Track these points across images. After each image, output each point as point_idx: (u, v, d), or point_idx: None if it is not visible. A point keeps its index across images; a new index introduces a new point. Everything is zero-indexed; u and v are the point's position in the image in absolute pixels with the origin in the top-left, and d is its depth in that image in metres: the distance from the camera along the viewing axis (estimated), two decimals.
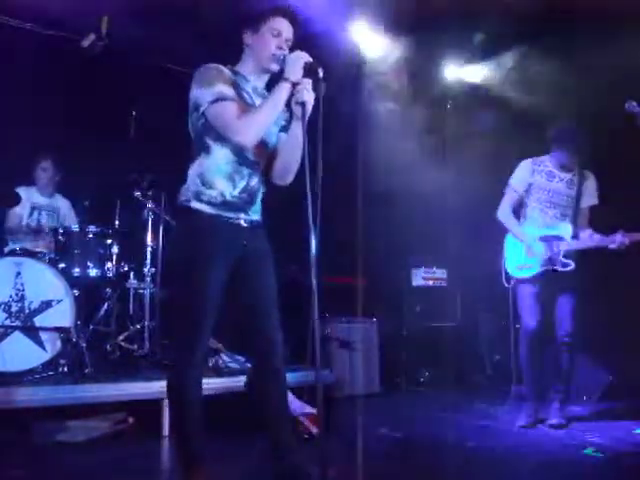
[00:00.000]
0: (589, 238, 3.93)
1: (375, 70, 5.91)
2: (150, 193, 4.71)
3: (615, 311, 5.03)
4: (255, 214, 2.52)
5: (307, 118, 2.33)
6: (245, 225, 2.47)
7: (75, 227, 4.41)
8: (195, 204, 2.39)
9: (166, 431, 3.58)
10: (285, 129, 2.54)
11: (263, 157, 2.53)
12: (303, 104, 2.32)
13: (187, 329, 2.39)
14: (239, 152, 2.42)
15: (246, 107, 2.40)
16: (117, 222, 4.67)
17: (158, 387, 3.61)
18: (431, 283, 6.12)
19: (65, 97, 4.92)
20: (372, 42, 5.84)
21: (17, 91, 4.68)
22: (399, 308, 5.95)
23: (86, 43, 5.05)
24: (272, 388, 2.47)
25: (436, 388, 5.54)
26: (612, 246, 3.80)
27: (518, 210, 4.16)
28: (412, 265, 6.09)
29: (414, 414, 4.49)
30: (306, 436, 3.46)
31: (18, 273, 3.84)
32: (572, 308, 3.93)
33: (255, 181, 2.49)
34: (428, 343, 5.86)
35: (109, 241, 4.39)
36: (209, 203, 2.39)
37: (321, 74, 2.31)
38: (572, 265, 3.92)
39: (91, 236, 4.30)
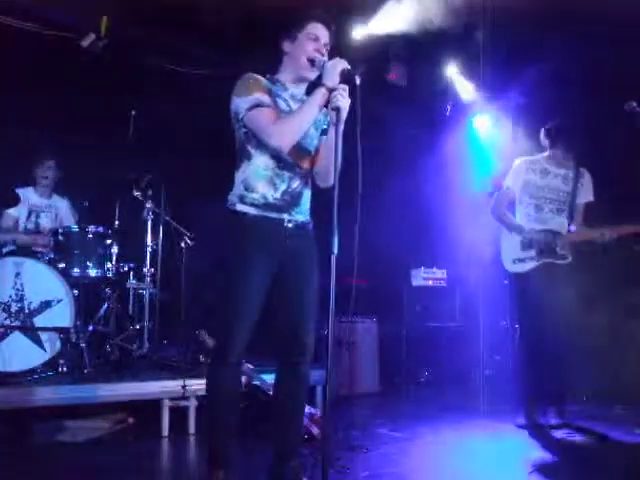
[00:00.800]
0: (581, 232, 3.95)
1: None
2: (150, 193, 4.70)
3: (615, 310, 5.03)
4: (300, 215, 2.58)
5: (342, 123, 2.36)
6: (288, 225, 2.53)
7: (75, 227, 4.41)
8: (240, 206, 2.49)
9: (166, 431, 3.58)
10: (325, 132, 2.60)
11: (305, 160, 2.58)
12: (338, 109, 2.35)
13: (228, 328, 2.45)
14: (279, 157, 2.49)
15: (282, 113, 2.47)
16: (117, 222, 4.67)
17: (158, 387, 3.61)
18: (431, 283, 6.12)
19: (65, 97, 4.92)
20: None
21: (17, 91, 4.68)
22: (399, 308, 5.95)
23: (86, 43, 5.06)
24: (295, 392, 2.52)
25: (436, 388, 5.53)
26: (601, 237, 3.82)
27: (512, 209, 4.16)
28: (412, 265, 6.09)
29: (414, 414, 4.49)
30: (306, 436, 3.46)
31: (18, 273, 3.83)
32: (569, 305, 3.93)
33: (297, 184, 2.55)
34: (428, 343, 5.85)
35: (109, 241, 4.38)
36: (252, 205, 2.48)
37: (358, 81, 2.35)
38: (569, 258, 3.93)
39: (91, 236, 4.30)
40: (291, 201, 2.53)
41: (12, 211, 4.56)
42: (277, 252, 2.49)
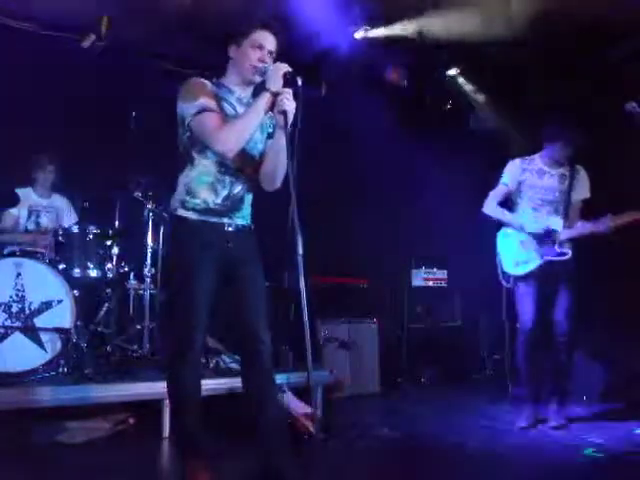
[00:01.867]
0: (580, 226, 3.95)
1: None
2: (150, 193, 4.70)
3: (615, 309, 5.04)
4: (240, 219, 2.62)
5: (289, 126, 2.40)
6: (229, 229, 2.57)
7: (75, 228, 4.40)
8: (181, 211, 2.54)
9: (167, 432, 3.57)
10: (271, 136, 2.62)
11: (248, 165, 2.61)
12: (284, 113, 2.40)
13: (179, 328, 2.52)
14: (221, 162, 2.52)
15: (228, 118, 2.49)
16: (117, 222, 4.67)
17: (158, 388, 3.60)
18: (431, 283, 6.13)
19: (64, 97, 4.92)
20: None
21: (16, 91, 4.68)
22: (399, 308, 5.95)
23: (86, 43, 5.06)
24: (262, 388, 2.55)
25: (436, 388, 5.54)
26: (601, 229, 3.82)
27: (510, 212, 4.15)
28: (412, 265, 6.10)
29: (414, 414, 4.49)
30: (306, 436, 3.46)
31: (18, 274, 3.83)
32: (570, 306, 3.93)
33: (239, 189, 2.59)
34: (428, 343, 5.86)
35: (109, 242, 4.38)
36: (193, 210, 2.53)
37: (300, 83, 2.40)
38: (569, 254, 3.93)
39: (91, 237, 4.29)
40: (232, 206, 2.58)
41: (13, 211, 4.56)
42: (219, 255, 2.53)
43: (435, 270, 6.16)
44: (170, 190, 4.66)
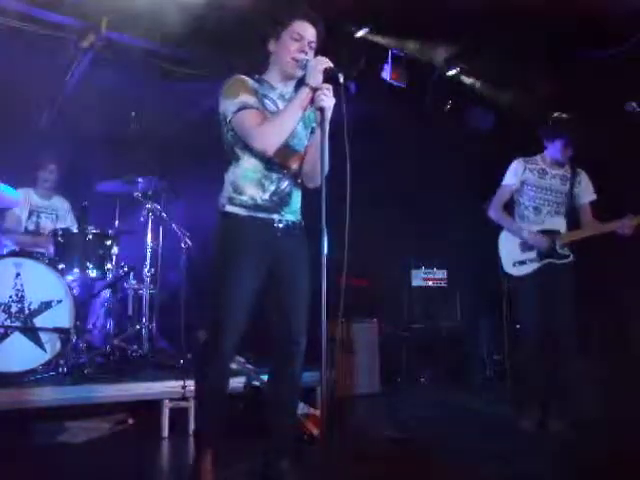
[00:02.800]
0: (589, 226, 3.93)
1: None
2: (150, 193, 4.70)
3: (615, 309, 5.04)
4: (290, 215, 2.59)
5: (327, 123, 2.34)
6: (279, 225, 2.54)
7: (74, 228, 4.41)
8: (229, 207, 2.50)
9: (166, 432, 3.57)
10: (315, 131, 2.59)
11: (293, 161, 2.58)
12: (322, 109, 2.34)
13: (217, 322, 2.47)
14: (266, 159, 2.49)
15: (269, 114, 2.46)
16: (117, 223, 4.67)
17: (158, 388, 3.61)
18: (431, 283, 6.13)
19: (64, 97, 4.92)
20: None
21: (16, 91, 4.67)
22: (399, 308, 5.95)
23: (86, 43, 5.05)
24: (287, 392, 2.55)
25: (436, 388, 5.53)
26: (620, 230, 3.79)
27: (511, 210, 4.16)
28: (412, 265, 6.10)
29: (414, 414, 4.48)
30: (306, 437, 3.46)
31: (18, 274, 3.83)
32: (570, 306, 3.93)
33: (286, 184, 2.56)
34: (428, 343, 5.86)
35: (108, 242, 4.38)
36: (242, 206, 2.50)
37: (342, 79, 2.32)
38: (570, 257, 3.93)
39: (90, 237, 4.29)
40: (280, 202, 2.54)
41: (16, 211, 4.57)
42: (268, 252, 2.50)
43: (435, 270, 6.16)
44: (171, 190, 4.71)
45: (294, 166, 2.58)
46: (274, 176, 2.52)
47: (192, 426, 3.67)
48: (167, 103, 4.93)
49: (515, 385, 4.38)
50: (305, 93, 2.38)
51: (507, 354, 4.48)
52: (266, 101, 2.52)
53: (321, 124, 2.33)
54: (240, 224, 2.48)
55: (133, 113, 4.79)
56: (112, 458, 3.24)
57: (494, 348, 6.00)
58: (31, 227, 4.65)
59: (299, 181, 2.62)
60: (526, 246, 4.02)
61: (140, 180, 4.56)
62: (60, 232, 4.29)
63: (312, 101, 2.38)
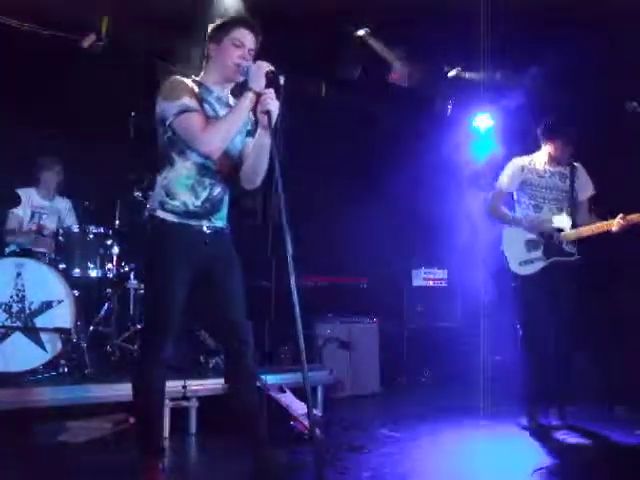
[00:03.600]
0: (590, 224, 3.92)
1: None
2: (150, 193, 4.69)
3: (615, 310, 5.03)
4: (219, 221, 2.62)
5: (273, 125, 2.41)
6: (207, 231, 2.56)
7: (75, 228, 4.41)
8: (160, 213, 2.51)
9: (166, 432, 3.57)
10: (250, 134, 2.62)
11: (228, 166, 2.60)
12: (269, 113, 2.40)
13: (152, 328, 2.54)
14: (201, 164, 2.51)
15: (209, 118, 2.48)
16: (117, 222, 4.67)
17: None
18: (431, 283, 6.13)
19: (65, 97, 4.92)
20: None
21: (16, 92, 4.68)
22: (399, 308, 5.95)
23: (86, 43, 5.06)
24: (245, 387, 2.57)
25: (437, 388, 5.54)
26: (613, 229, 3.78)
27: (511, 209, 4.15)
28: (412, 265, 6.10)
29: (415, 414, 4.49)
30: (306, 437, 3.46)
31: (19, 274, 3.84)
32: (572, 306, 3.93)
33: (218, 191, 2.58)
34: (428, 343, 5.86)
35: (109, 241, 4.39)
36: (172, 212, 2.51)
37: (282, 81, 2.41)
38: (576, 255, 3.92)
39: (91, 236, 4.30)
40: (211, 208, 2.56)
41: (17, 211, 4.57)
42: (196, 258, 2.53)
43: (435, 270, 6.16)
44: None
45: (227, 171, 2.61)
46: (207, 182, 2.54)
47: (193, 426, 3.68)
48: None
49: (515, 384, 4.37)
50: (249, 98, 2.43)
51: (508, 354, 4.47)
52: (205, 104, 2.53)
53: (269, 127, 2.40)
54: (169, 230, 2.50)
55: (133, 113, 4.79)
56: (112, 458, 3.25)
57: (494, 348, 5.99)
58: (33, 228, 4.64)
59: (230, 185, 2.65)
60: (531, 245, 4.00)
61: (141, 180, 4.56)
62: (61, 232, 4.29)
63: (255, 105, 2.44)
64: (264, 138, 2.47)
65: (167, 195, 2.51)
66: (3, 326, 3.72)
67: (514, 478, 3.07)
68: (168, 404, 3.60)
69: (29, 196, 4.67)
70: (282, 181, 2.27)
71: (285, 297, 2.58)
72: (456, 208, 5.90)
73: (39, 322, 3.84)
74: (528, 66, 5.67)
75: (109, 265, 4.35)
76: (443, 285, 6.18)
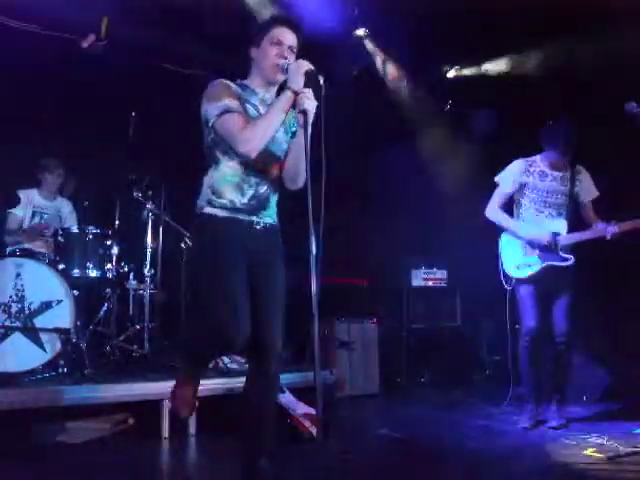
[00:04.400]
0: (588, 230, 3.94)
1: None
2: (150, 194, 4.70)
3: (614, 310, 5.04)
4: (268, 218, 2.60)
5: (310, 125, 2.37)
6: (257, 227, 2.55)
7: (75, 228, 4.41)
8: (209, 209, 2.51)
9: (166, 432, 3.58)
10: (295, 135, 2.60)
11: (273, 165, 2.59)
12: (305, 112, 2.38)
13: (217, 325, 2.42)
14: (246, 163, 2.50)
15: (251, 119, 2.47)
16: (117, 223, 4.67)
17: (158, 388, 3.61)
18: (431, 283, 6.13)
19: (65, 98, 4.92)
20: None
21: (16, 92, 4.68)
22: (399, 308, 5.95)
23: (86, 44, 5.06)
24: (265, 391, 2.53)
25: (436, 388, 5.54)
26: (608, 236, 3.81)
27: (511, 210, 4.17)
28: (412, 265, 6.09)
29: (414, 414, 4.49)
30: (306, 437, 3.46)
31: (18, 274, 3.84)
32: (569, 307, 3.94)
33: (264, 189, 2.57)
34: (428, 343, 5.86)
35: (109, 242, 4.39)
36: (221, 208, 2.51)
37: (322, 81, 2.36)
38: (572, 259, 3.94)
39: (91, 237, 4.30)
40: (258, 205, 2.56)
41: (17, 212, 4.57)
42: (246, 252, 2.51)
43: (435, 270, 6.16)
44: (171, 191, 4.71)
45: (273, 171, 2.60)
46: (253, 180, 2.54)
47: (193, 427, 3.68)
48: (168, 103, 4.92)
49: (514, 384, 4.37)
50: (287, 97, 2.41)
51: (508, 354, 4.47)
52: (248, 106, 2.54)
53: (304, 127, 2.38)
54: (220, 223, 2.49)
55: (133, 113, 4.79)
56: (112, 458, 3.25)
57: (494, 348, 6.00)
58: (36, 227, 4.64)
59: (277, 185, 2.64)
60: (528, 249, 4.02)
61: (141, 180, 4.56)
62: (60, 232, 4.29)
63: (294, 104, 2.42)
64: (300, 138, 2.46)
65: (214, 193, 2.52)
66: (3, 326, 3.72)
67: (514, 478, 3.07)
68: (167, 404, 3.60)
69: (31, 197, 4.67)
70: (309, 181, 2.26)
71: (286, 297, 2.57)
72: (456, 208, 5.90)
73: (38, 322, 3.84)
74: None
75: (108, 265, 4.35)
76: (443, 285, 6.18)
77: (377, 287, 5.89)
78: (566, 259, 3.94)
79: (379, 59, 6.05)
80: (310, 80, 2.38)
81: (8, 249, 4.27)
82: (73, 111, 4.95)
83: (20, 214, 4.60)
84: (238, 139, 2.41)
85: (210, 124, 2.47)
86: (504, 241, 4.15)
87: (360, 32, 5.77)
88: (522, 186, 4.06)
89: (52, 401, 3.42)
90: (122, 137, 4.74)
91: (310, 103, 2.38)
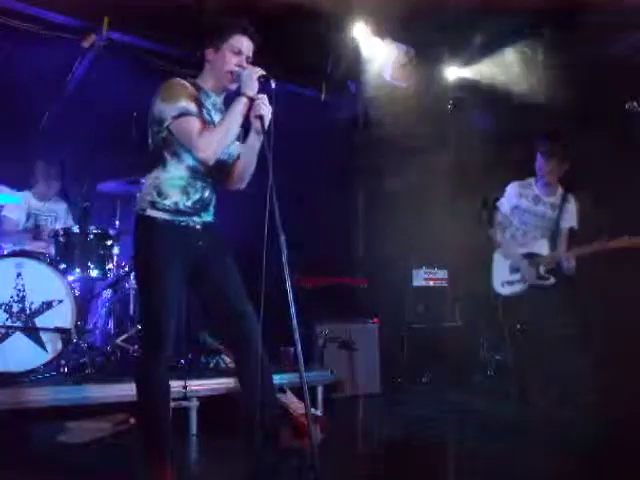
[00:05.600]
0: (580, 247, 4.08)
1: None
2: (138, 194, 4.69)
3: (614, 311, 5.03)
4: (207, 216, 2.66)
5: (266, 130, 2.45)
6: (198, 227, 2.60)
7: (75, 228, 4.41)
8: (150, 212, 2.53)
9: None
10: (239, 138, 2.65)
11: (219, 168, 2.63)
12: (261, 117, 2.44)
13: (152, 328, 2.52)
14: (194, 167, 2.53)
15: (206, 123, 2.50)
16: (118, 223, 4.67)
17: None
18: (432, 283, 6.13)
19: (65, 97, 4.93)
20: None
21: (16, 92, 4.68)
22: (400, 308, 5.95)
23: (86, 43, 5.06)
24: (256, 373, 2.52)
25: (437, 388, 5.54)
26: (596, 249, 3.95)
27: (505, 230, 4.35)
28: (413, 265, 6.09)
29: (414, 414, 4.49)
30: (306, 437, 3.46)
31: (19, 274, 3.84)
32: (557, 308, 4.00)
33: (208, 192, 2.62)
34: (429, 343, 5.86)
35: (110, 242, 4.39)
36: (163, 210, 2.53)
37: (274, 85, 2.44)
38: (552, 279, 4.05)
39: (92, 237, 4.30)
40: (201, 208, 2.60)
41: (12, 215, 4.56)
42: (190, 255, 2.55)
43: (435, 270, 6.16)
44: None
45: (218, 175, 2.64)
46: (199, 184, 2.58)
47: (193, 426, 3.68)
48: None
49: (515, 384, 4.39)
50: (243, 103, 2.47)
51: (508, 354, 4.48)
52: (203, 110, 2.55)
53: (262, 132, 2.44)
54: (161, 228, 2.52)
55: (135, 113, 4.79)
56: (113, 458, 3.25)
57: (494, 348, 6.00)
58: (29, 228, 4.64)
59: (218, 187, 2.68)
60: (514, 268, 4.21)
61: (142, 180, 4.55)
62: (61, 232, 4.29)
63: (248, 110, 2.47)
64: (256, 142, 2.52)
65: (159, 195, 2.52)
66: (3, 326, 3.73)
67: (514, 477, 3.07)
68: None
69: (26, 199, 4.67)
70: (274, 186, 2.31)
71: (286, 296, 2.59)
72: (457, 208, 5.90)
73: (39, 322, 3.84)
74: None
75: (109, 265, 4.35)
76: (443, 285, 6.18)
77: (377, 287, 5.88)
78: (546, 278, 4.07)
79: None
80: (263, 86, 2.46)
81: (9, 249, 4.27)
82: (73, 111, 4.96)
83: (14, 217, 4.59)
84: (197, 144, 2.43)
85: (165, 125, 2.47)
86: (496, 257, 4.37)
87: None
88: (515, 208, 4.28)
89: (53, 401, 3.43)
90: (122, 137, 4.74)
91: (265, 109, 2.45)
